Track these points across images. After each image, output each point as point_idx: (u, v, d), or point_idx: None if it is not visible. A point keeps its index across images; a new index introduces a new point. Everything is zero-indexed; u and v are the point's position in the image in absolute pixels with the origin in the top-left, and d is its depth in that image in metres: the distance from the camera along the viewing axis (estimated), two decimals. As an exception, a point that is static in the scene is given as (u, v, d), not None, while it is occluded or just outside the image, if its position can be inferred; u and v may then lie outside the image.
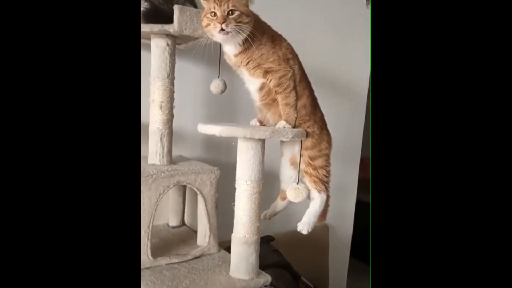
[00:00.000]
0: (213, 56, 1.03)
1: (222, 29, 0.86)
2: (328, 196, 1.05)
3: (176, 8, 0.99)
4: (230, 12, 0.86)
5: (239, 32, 0.87)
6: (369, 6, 1.95)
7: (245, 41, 0.90)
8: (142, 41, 1.12)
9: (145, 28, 1.01)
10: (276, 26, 0.98)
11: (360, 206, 2.17)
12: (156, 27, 1.01)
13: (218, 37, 0.89)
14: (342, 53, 1.86)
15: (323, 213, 1.08)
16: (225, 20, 0.86)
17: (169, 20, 1.00)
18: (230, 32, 0.86)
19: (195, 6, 1.13)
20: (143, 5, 1.02)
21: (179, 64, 1.12)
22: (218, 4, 0.86)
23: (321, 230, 1.88)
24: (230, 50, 0.94)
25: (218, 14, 0.86)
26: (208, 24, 0.89)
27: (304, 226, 1.01)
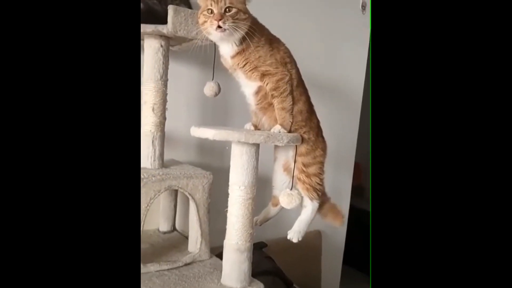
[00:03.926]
0: (207, 58, 1.01)
1: (219, 26, 0.84)
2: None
3: (170, 9, 0.97)
4: (227, 9, 0.85)
5: (236, 30, 0.85)
6: (365, 12, 1.95)
7: (243, 40, 0.88)
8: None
9: (138, 28, 0.99)
10: (271, 31, 0.96)
11: (353, 212, 2.15)
12: (150, 28, 0.99)
13: (215, 35, 0.87)
14: (336, 59, 1.86)
15: (338, 215, 1.12)
16: (222, 17, 0.84)
17: (163, 21, 0.98)
18: (227, 29, 0.84)
19: (189, 7, 1.11)
20: (137, 5, 1.00)
21: (173, 65, 1.10)
22: (215, 1, 0.84)
23: (314, 237, 1.87)
24: (227, 51, 0.92)
25: (215, 11, 0.84)
26: (205, 22, 0.87)
27: (294, 234, 0.99)
